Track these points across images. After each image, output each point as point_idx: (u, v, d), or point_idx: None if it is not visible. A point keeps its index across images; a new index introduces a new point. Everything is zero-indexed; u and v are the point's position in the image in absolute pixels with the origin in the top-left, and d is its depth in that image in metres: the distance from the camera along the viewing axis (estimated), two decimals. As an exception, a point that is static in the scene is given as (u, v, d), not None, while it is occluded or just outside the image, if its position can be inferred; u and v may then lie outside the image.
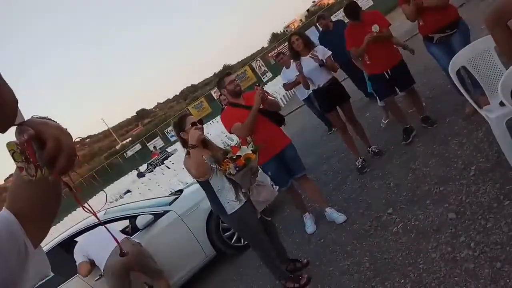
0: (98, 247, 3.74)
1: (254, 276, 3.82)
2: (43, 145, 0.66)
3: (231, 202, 3.01)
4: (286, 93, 15.75)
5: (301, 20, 46.45)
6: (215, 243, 4.42)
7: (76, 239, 4.20)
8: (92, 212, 0.80)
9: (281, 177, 3.75)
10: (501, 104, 2.48)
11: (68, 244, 4.18)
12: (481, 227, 2.46)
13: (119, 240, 3.53)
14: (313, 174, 5.04)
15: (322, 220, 3.91)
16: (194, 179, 3.42)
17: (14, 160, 0.64)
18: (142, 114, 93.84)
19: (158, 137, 30.35)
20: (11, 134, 0.65)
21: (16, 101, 0.63)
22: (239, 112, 3.46)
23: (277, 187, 4.11)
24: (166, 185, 9.55)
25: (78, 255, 3.82)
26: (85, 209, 0.78)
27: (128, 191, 16.28)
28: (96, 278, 3.88)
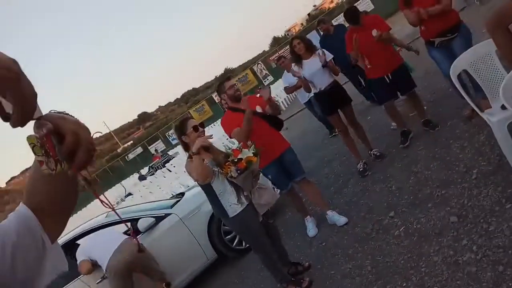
0: (100, 248, 3.76)
1: (256, 279, 3.81)
2: (62, 140, 0.66)
3: (232, 205, 3.01)
4: (287, 96, 15.79)
5: (302, 24, 46.53)
6: (216, 246, 4.42)
7: (78, 241, 4.21)
8: (110, 206, 0.80)
9: (281, 180, 3.76)
10: (503, 107, 2.48)
11: (69, 246, 4.19)
12: (483, 230, 2.45)
13: (120, 241, 3.51)
14: (315, 177, 5.04)
15: (323, 223, 3.91)
16: (196, 182, 3.43)
17: (35, 153, 0.64)
18: (143, 117, 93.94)
19: (160, 140, 30.38)
20: (29, 128, 0.64)
21: (35, 95, 0.62)
22: (239, 117, 3.47)
23: (279, 190, 4.12)
24: (167, 188, 9.57)
25: (80, 256, 3.84)
26: (104, 204, 0.79)
27: (130, 194, 16.31)
28: (98, 281, 3.88)
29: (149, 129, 56.86)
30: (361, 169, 4.40)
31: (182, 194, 5.34)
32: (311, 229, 3.90)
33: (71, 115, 0.70)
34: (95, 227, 4.20)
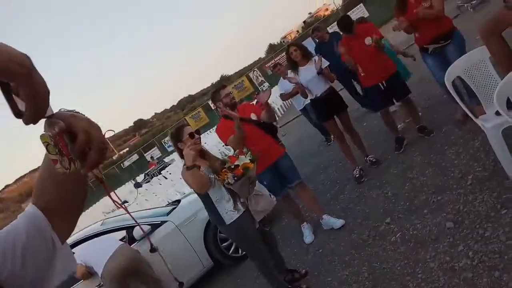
0: (96, 254, 3.74)
1: (252, 286, 3.79)
2: (74, 138, 0.66)
3: (229, 212, 3.00)
4: (283, 103, 15.82)
5: (297, 31, 46.87)
6: (212, 253, 4.40)
7: (73, 250, 4.17)
8: (121, 205, 0.80)
9: (276, 186, 3.76)
10: (497, 113, 2.50)
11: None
12: (479, 236, 2.46)
13: (116, 248, 3.49)
14: (311, 184, 5.04)
15: (320, 229, 3.90)
16: (192, 190, 3.42)
17: (49, 152, 0.63)
18: (139, 124, 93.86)
19: (156, 147, 30.34)
20: (39, 128, 0.64)
21: (48, 92, 0.61)
22: (232, 124, 3.48)
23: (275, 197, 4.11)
24: (163, 195, 9.52)
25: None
26: (116, 203, 0.79)
27: (125, 201, 16.20)
28: (94, 289, 3.84)
29: (145, 136, 56.80)
30: (357, 175, 4.41)
31: (178, 201, 5.32)
32: (308, 236, 3.89)
33: (81, 114, 0.70)
34: (90, 235, 4.16)
